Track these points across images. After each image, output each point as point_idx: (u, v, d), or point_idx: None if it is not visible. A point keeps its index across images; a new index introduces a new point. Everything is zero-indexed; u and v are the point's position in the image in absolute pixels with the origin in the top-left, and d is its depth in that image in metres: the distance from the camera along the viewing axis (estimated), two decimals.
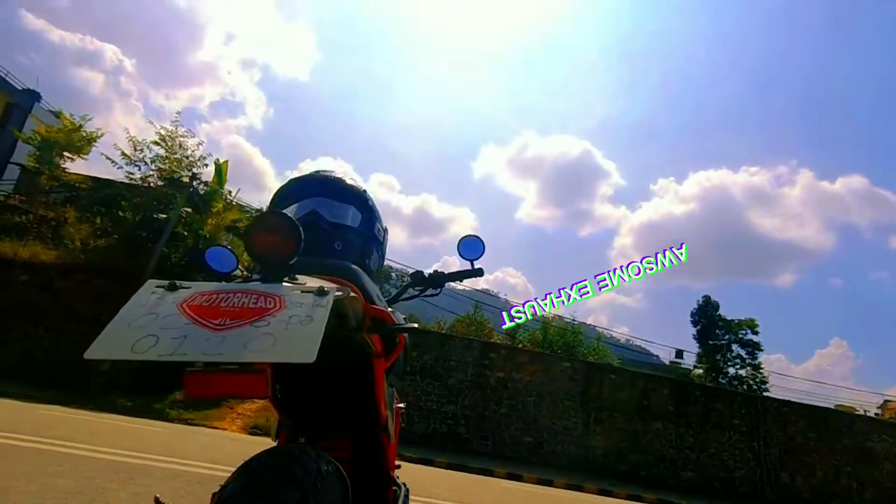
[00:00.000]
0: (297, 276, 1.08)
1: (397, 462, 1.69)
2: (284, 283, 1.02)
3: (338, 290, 1.01)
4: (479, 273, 1.99)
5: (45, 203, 18.20)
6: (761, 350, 29.74)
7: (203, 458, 6.07)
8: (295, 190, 1.66)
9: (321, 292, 0.97)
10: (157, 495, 1.29)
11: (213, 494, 0.97)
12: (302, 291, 0.98)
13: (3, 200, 17.85)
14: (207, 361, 0.86)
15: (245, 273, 1.52)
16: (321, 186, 1.66)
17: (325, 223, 1.54)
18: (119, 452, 5.42)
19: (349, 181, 1.70)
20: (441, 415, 13.78)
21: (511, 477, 11.06)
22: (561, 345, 20.88)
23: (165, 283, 0.99)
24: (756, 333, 30.00)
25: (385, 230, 1.79)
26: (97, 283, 14.26)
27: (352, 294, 1.08)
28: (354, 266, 1.39)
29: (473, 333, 20.86)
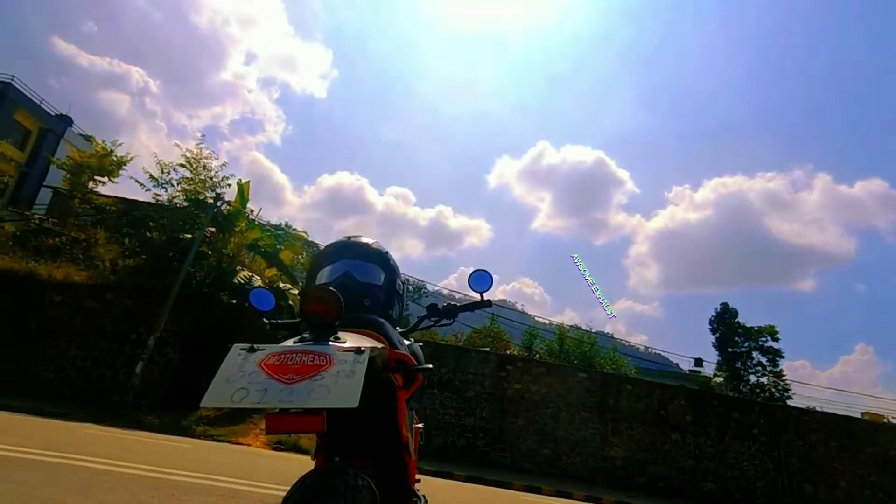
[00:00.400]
0: (340, 331, 1.46)
1: (417, 476, 2.01)
2: (331, 343, 1.37)
3: (371, 347, 1.37)
4: (487, 304, 2.30)
5: (77, 225, 18.94)
6: (782, 357, 29.40)
7: (234, 473, 6.41)
8: (331, 253, 2.03)
9: (359, 351, 1.33)
10: None
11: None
12: (345, 350, 1.34)
13: (39, 224, 18.61)
14: (281, 408, 1.25)
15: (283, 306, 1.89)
16: (351, 250, 2.02)
17: (356, 283, 1.90)
18: (156, 469, 5.78)
19: (374, 245, 2.06)
20: (459, 428, 14.00)
21: (529, 489, 11.23)
22: (577, 355, 20.98)
23: (247, 346, 1.36)
24: (777, 340, 29.69)
25: (404, 283, 2.12)
26: (126, 303, 14.85)
27: (380, 346, 1.45)
28: (381, 319, 1.79)
29: (490, 345, 21.09)
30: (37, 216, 20.54)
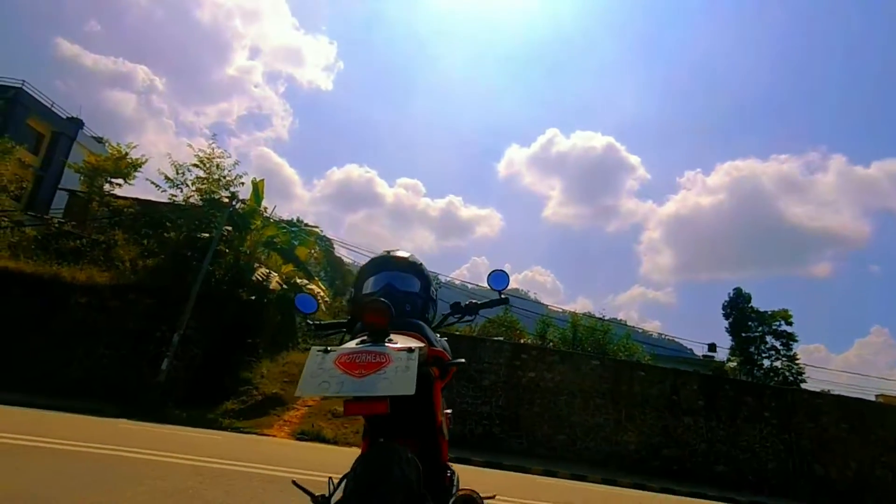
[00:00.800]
0: (392, 335, 1.78)
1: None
2: (387, 344, 1.70)
3: (419, 346, 1.71)
4: (505, 301, 2.62)
5: (96, 227, 19.39)
6: (796, 341, 29.49)
7: (267, 461, 6.76)
8: (374, 266, 2.35)
9: (411, 350, 1.66)
10: (294, 480, 1.94)
11: (344, 476, 1.64)
12: (399, 350, 1.66)
13: (59, 227, 19.07)
14: (356, 396, 1.58)
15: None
16: (391, 263, 2.35)
17: (398, 292, 2.21)
18: (195, 458, 6.14)
19: (410, 258, 2.38)
20: (476, 416, 14.34)
21: (546, 474, 11.54)
22: (591, 343, 21.23)
23: (322, 348, 1.69)
24: (790, 324, 29.75)
25: (437, 289, 2.42)
26: (148, 302, 15.28)
27: (423, 345, 1.77)
28: (420, 322, 2.12)
29: (504, 335, 21.39)
30: (56, 220, 21.02)
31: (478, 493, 1.80)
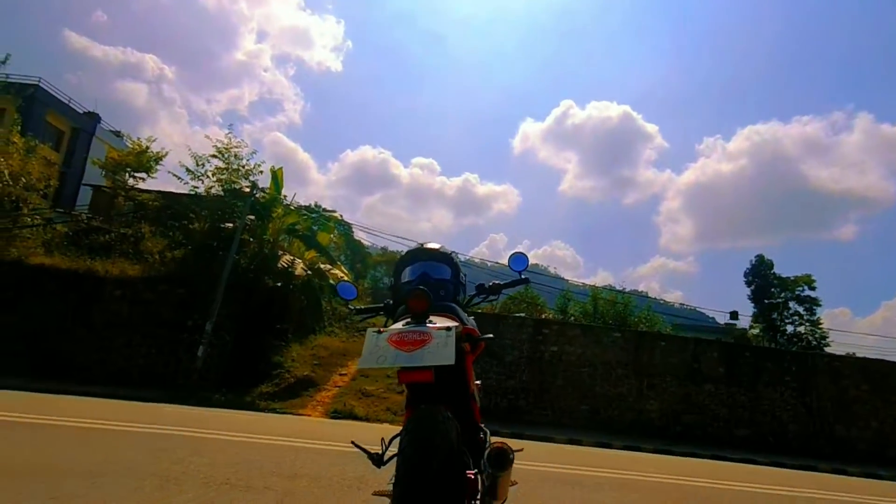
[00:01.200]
0: (431, 316, 2.08)
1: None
2: (428, 325, 2.00)
3: (455, 326, 2.01)
4: (525, 282, 2.93)
5: (123, 221, 20.01)
6: (819, 306, 29.45)
7: (309, 436, 7.22)
8: (410, 257, 2.72)
9: (448, 329, 1.96)
10: (353, 441, 2.27)
11: (395, 436, 1.94)
12: (439, 329, 1.96)
13: (87, 222, 19.72)
14: (407, 366, 1.88)
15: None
16: (426, 254, 2.70)
17: (433, 280, 2.55)
18: (243, 435, 6.60)
19: (441, 249, 2.73)
20: (501, 390, 14.74)
21: (571, 442, 11.93)
22: (611, 315, 21.44)
23: (376, 329, 2.00)
24: (813, 289, 29.68)
25: (465, 275, 2.75)
26: (179, 292, 15.87)
27: (457, 324, 2.07)
28: (453, 304, 2.47)
29: (525, 311, 21.69)
30: (84, 215, 21.71)
31: (508, 445, 2.11)
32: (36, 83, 29.79)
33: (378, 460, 2.10)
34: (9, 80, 25.10)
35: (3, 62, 23.44)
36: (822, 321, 29.20)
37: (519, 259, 2.83)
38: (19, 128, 19.96)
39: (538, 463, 6.65)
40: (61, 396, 10.27)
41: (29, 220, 18.12)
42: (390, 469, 1.87)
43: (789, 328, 29.53)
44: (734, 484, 7.16)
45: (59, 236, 18.15)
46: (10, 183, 17.38)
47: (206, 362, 14.44)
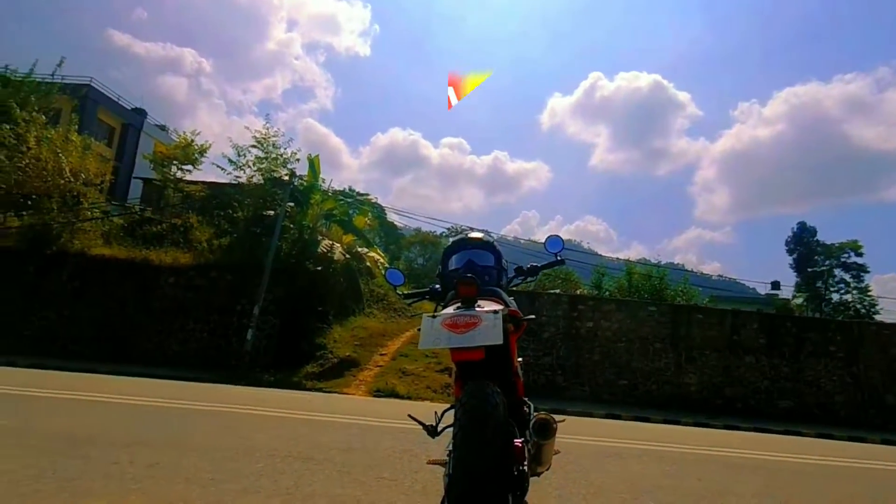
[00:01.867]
0: (479, 301, 2.31)
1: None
2: (477, 309, 2.23)
3: (501, 309, 2.24)
4: (561, 262, 3.13)
5: (173, 212, 21.03)
6: (868, 272, 28.47)
7: (358, 413, 7.73)
8: (456, 246, 2.95)
9: (496, 312, 2.18)
10: (410, 414, 2.58)
11: (448, 408, 2.19)
12: (487, 312, 2.19)
13: (141, 214, 20.81)
14: (460, 347, 2.12)
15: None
16: (471, 243, 2.92)
17: (478, 267, 2.79)
18: (297, 412, 7.15)
19: (484, 238, 2.95)
20: (539, 367, 15.05)
21: (609, 417, 12.17)
22: (647, 289, 21.35)
23: (430, 315, 2.26)
24: (861, 255, 28.64)
25: (507, 262, 2.97)
26: (228, 279, 16.71)
27: (504, 307, 2.32)
28: (498, 289, 2.69)
29: (560, 287, 21.83)
30: (136, 207, 22.88)
31: (552, 416, 2.33)
32: (88, 83, 31.01)
33: (433, 431, 2.34)
34: (64, 81, 26.28)
35: (59, 65, 24.63)
36: (871, 288, 28.27)
37: (555, 241, 3.05)
38: (76, 127, 21.04)
39: (578, 436, 6.95)
40: (130, 378, 11.14)
41: (89, 213, 19.23)
42: (439, 441, 2.12)
43: (835, 297, 28.72)
44: (781, 455, 7.12)
45: (115, 228, 19.20)
46: (71, 179, 18.48)
47: (255, 345, 15.23)
